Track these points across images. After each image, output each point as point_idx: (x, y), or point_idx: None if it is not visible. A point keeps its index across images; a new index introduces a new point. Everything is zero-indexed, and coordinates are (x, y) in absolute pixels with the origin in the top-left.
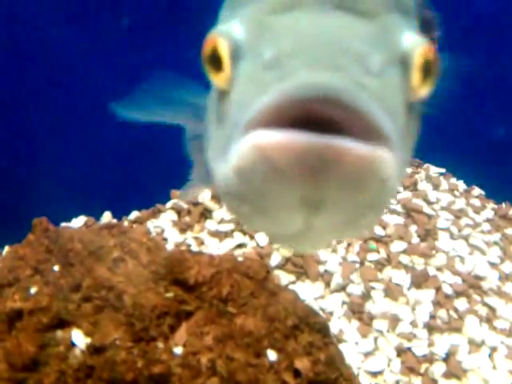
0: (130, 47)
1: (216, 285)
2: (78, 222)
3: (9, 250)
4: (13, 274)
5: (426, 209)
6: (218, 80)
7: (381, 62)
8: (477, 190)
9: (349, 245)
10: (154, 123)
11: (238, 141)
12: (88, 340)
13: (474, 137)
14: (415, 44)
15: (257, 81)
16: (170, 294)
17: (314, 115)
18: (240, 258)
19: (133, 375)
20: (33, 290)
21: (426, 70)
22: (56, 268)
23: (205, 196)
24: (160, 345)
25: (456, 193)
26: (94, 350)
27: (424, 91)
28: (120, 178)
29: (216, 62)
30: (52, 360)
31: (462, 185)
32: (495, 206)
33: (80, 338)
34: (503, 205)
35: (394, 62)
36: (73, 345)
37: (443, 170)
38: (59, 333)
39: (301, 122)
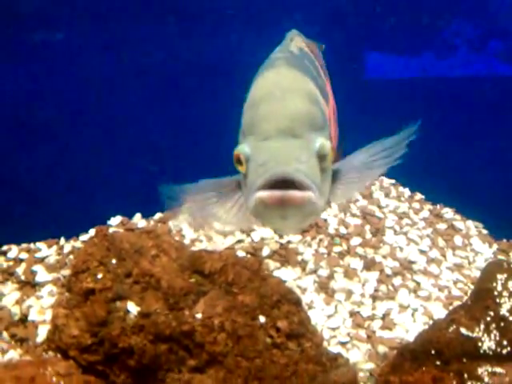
0: None
1: (224, 273)
2: (116, 220)
3: (80, 248)
4: (85, 265)
5: (378, 212)
6: (240, 169)
7: (306, 157)
8: (418, 195)
9: (320, 240)
10: None
11: (254, 194)
12: (138, 309)
13: (417, 150)
14: (320, 145)
15: (256, 171)
16: (192, 280)
17: (280, 183)
18: (240, 253)
19: (169, 331)
20: (99, 276)
21: (323, 155)
22: (113, 261)
23: None
24: (186, 312)
25: (402, 198)
26: (143, 315)
27: (325, 164)
28: (146, 185)
29: (239, 162)
30: (116, 320)
31: (407, 191)
32: (431, 207)
33: (133, 308)
34: (438, 206)
35: (312, 155)
36: (128, 312)
37: (393, 181)
38: (119, 304)
39: (276, 185)
